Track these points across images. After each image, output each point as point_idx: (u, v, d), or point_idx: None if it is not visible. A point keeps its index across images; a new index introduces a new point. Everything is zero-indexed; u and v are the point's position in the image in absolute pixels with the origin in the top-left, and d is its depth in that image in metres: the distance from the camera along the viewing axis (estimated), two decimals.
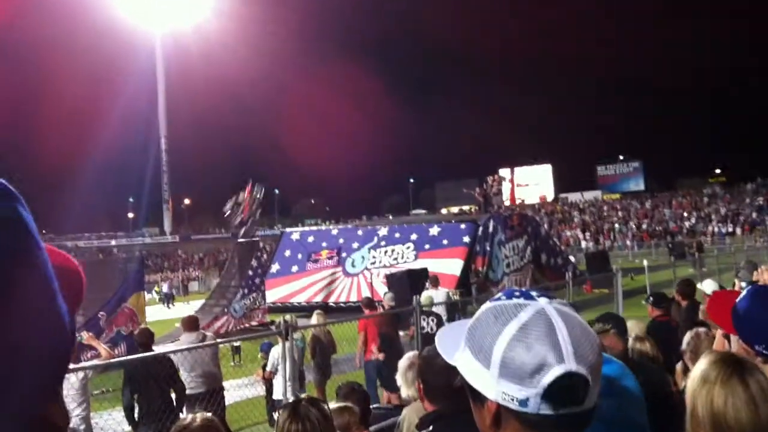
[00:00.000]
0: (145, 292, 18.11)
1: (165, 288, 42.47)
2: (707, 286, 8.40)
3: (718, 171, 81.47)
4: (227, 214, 25.93)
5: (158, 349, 9.11)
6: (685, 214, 61.34)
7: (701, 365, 1.77)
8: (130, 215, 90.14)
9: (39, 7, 73.73)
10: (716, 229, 55.55)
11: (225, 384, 9.43)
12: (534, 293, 1.13)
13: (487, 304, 1.14)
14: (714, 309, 2.11)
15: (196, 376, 8.75)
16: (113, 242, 78.04)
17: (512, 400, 1.05)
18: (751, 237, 49.70)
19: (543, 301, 1.10)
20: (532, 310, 1.08)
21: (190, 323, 9.17)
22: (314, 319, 10.65)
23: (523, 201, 79.84)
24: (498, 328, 1.09)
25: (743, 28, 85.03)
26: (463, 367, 1.13)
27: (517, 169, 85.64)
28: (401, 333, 11.40)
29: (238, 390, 10.79)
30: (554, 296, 1.14)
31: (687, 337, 4.55)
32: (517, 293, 1.13)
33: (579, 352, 1.04)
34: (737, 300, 1.93)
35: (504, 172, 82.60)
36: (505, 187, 43.05)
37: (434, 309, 11.38)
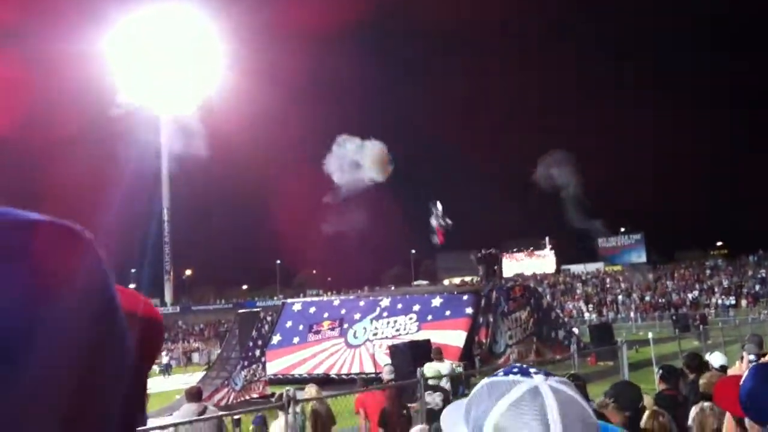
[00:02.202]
0: None
1: (165, 359, 42.12)
2: (715, 359, 8.36)
3: (719, 243, 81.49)
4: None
5: (157, 421, 9.00)
6: (688, 286, 61.17)
7: None
8: (132, 286, 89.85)
9: (42, 87, 75.35)
10: (719, 302, 55.28)
11: None
12: (533, 370, 1.13)
13: (485, 380, 1.15)
14: (721, 396, 2.11)
15: None
16: None
17: None
18: (755, 309, 49.41)
19: (538, 379, 1.09)
20: (525, 387, 1.07)
21: (193, 394, 9.08)
22: (308, 391, 10.43)
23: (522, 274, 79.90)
24: (490, 403, 1.08)
25: (741, 115, 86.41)
26: None
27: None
28: (411, 406, 11.11)
29: None
30: (553, 374, 1.14)
31: (692, 413, 4.51)
32: (516, 369, 1.13)
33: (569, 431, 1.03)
34: (741, 382, 1.93)
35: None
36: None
37: (440, 383, 11.21)
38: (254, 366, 20.59)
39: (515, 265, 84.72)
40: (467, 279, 67.34)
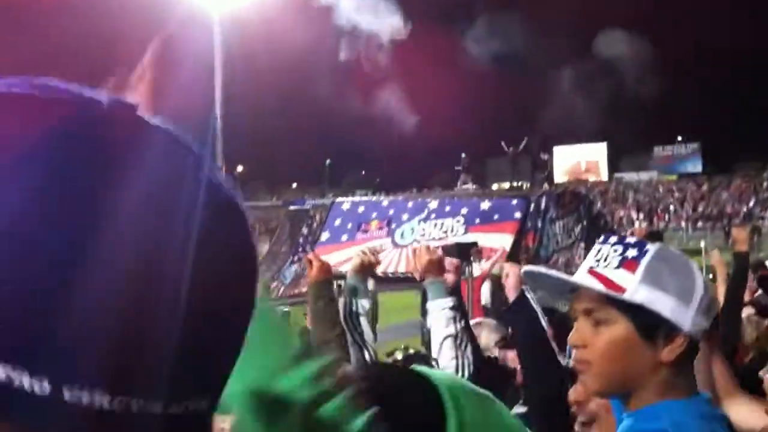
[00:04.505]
0: None
1: None
2: None
3: None
4: None
5: None
6: (744, 198, 59.98)
7: None
8: None
9: None
10: None
11: None
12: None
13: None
14: None
15: None
16: None
17: None
18: None
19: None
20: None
21: None
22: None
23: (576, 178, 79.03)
24: None
25: None
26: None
27: (571, 147, 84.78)
28: None
29: None
30: None
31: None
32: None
33: None
34: None
35: (561, 149, 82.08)
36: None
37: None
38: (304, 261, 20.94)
39: (565, 158, 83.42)
40: (516, 185, 67.09)
